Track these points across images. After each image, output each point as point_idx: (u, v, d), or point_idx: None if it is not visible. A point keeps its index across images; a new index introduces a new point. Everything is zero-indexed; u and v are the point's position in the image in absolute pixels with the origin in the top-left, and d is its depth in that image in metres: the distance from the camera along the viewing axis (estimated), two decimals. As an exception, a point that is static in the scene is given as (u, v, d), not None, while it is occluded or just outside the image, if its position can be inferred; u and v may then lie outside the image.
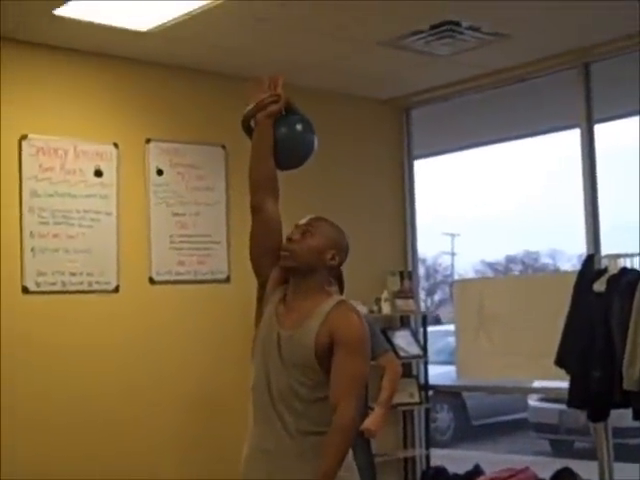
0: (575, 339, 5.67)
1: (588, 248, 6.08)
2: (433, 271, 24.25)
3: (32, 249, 5.33)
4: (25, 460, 5.18)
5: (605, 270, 5.73)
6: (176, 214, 5.94)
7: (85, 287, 5.53)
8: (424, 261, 17.25)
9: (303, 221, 3.02)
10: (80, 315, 5.54)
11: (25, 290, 5.32)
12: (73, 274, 5.48)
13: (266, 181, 3.09)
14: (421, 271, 7.85)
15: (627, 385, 5.31)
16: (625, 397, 5.38)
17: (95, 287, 5.57)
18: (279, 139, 3.07)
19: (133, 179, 5.78)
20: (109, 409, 5.56)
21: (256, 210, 3.08)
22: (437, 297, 22.99)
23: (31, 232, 5.33)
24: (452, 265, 23.18)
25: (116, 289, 5.66)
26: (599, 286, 5.63)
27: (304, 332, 2.86)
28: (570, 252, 16.80)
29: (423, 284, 7.73)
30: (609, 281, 5.59)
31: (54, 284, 5.42)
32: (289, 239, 2.96)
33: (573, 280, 5.81)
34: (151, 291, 5.83)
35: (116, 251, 5.65)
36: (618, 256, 5.73)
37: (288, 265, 2.95)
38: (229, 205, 6.19)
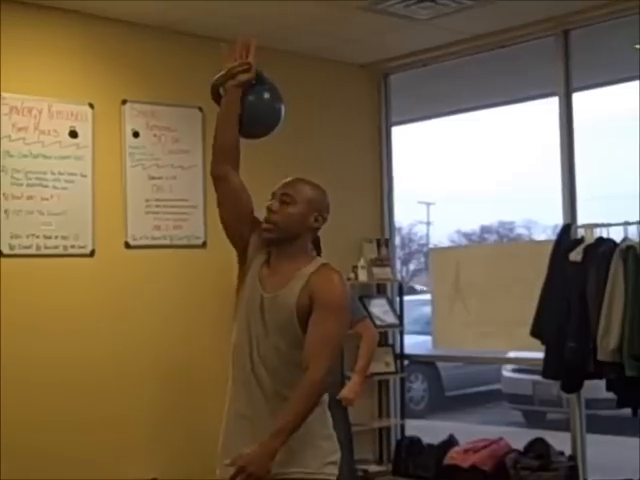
0: (551, 309, 5.68)
1: (564, 218, 6.08)
2: (408, 240, 24.29)
3: (5, 211, 5.25)
4: (5, 420, 5.13)
5: (581, 240, 5.75)
6: (152, 177, 5.87)
7: (60, 251, 5.46)
8: (399, 230, 17.23)
9: (280, 187, 2.96)
10: (55, 279, 5.47)
11: (-1, 253, 5.26)
12: (48, 237, 5.41)
13: (230, 150, 3.04)
14: (396, 240, 7.83)
15: (601, 356, 5.34)
16: (599, 368, 5.42)
17: (70, 251, 5.50)
18: (246, 107, 3.02)
19: (109, 141, 5.69)
20: (84, 372, 5.52)
21: (221, 179, 3.03)
22: (412, 266, 23.06)
23: (4, 194, 5.25)
24: (427, 234, 23.23)
25: (91, 253, 5.60)
26: (575, 256, 5.64)
27: (286, 294, 2.84)
28: (545, 223, 16.86)
29: (398, 253, 7.70)
30: (585, 251, 5.60)
31: (29, 247, 5.35)
32: (269, 209, 2.91)
33: (549, 249, 5.82)
34: (127, 255, 5.77)
35: (91, 214, 5.58)
36: (595, 226, 5.74)
37: (272, 237, 2.92)
38: (206, 169, 6.10)
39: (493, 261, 6.55)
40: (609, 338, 5.32)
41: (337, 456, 2.91)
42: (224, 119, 3.01)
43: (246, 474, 2.61)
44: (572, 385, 5.77)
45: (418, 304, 10.06)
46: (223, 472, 2.86)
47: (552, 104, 6.23)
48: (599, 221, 5.73)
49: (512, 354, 7.53)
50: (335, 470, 2.87)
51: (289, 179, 2.99)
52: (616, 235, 5.66)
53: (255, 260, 2.97)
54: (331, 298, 2.80)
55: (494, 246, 10.64)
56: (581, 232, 5.84)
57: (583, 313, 5.48)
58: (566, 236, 5.87)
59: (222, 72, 3.03)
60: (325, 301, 2.79)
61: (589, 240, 5.68)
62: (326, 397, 2.91)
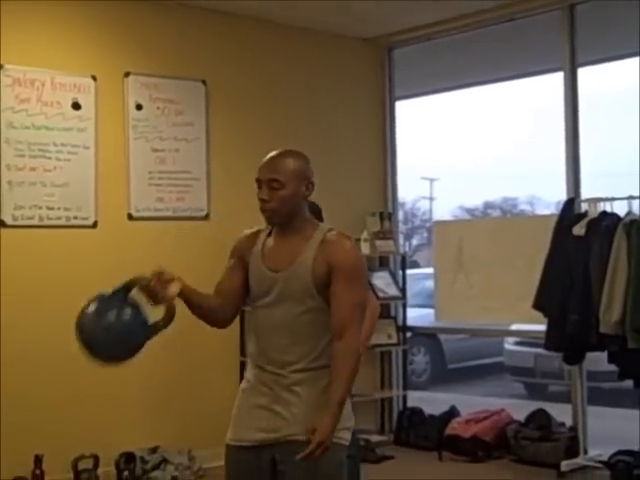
0: (553, 283, 5.70)
1: (568, 192, 6.08)
2: (411, 215, 24.27)
3: (9, 182, 5.27)
4: (5, 393, 5.18)
5: (585, 214, 5.75)
6: (155, 150, 5.88)
7: (63, 222, 5.49)
8: (403, 205, 17.22)
9: (263, 172, 2.88)
10: (58, 250, 5.50)
11: (2, 224, 5.28)
12: (51, 208, 5.43)
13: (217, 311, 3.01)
14: (399, 215, 7.83)
15: (603, 328, 5.37)
16: (601, 340, 5.44)
17: (73, 222, 5.53)
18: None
19: (112, 113, 5.70)
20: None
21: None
22: (415, 241, 23.05)
23: (7, 165, 5.26)
24: (430, 210, 23.20)
25: (94, 225, 5.62)
26: (579, 230, 5.64)
27: (299, 266, 2.84)
28: (549, 199, 16.80)
29: (401, 228, 7.69)
30: (589, 225, 5.61)
31: (32, 218, 5.37)
32: (262, 200, 2.87)
33: (552, 224, 5.82)
34: (130, 227, 5.79)
35: (94, 186, 5.59)
36: (598, 200, 5.74)
37: (276, 222, 2.91)
38: (209, 142, 6.12)
39: (496, 235, 6.56)
40: (611, 311, 5.34)
41: (351, 422, 2.93)
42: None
43: (324, 447, 2.71)
44: (574, 357, 5.81)
45: (420, 278, 10.07)
46: (241, 433, 2.91)
47: (557, 79, 6.22)
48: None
49: (515, 327, 7.54)
50: (348, 436, 2.89)
51: (268, 159, 2.90)
52: (620, 210, 5.67)
53: (253, 251, 2.95)
54: (350, 263, 2.81)
55: (497, 220, 10.62)
56: (585, 206, 5.84)
57: (586, 286, 5.50)
58: (570, 210, 5.87)
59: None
60: (345, 267, 2.79)
61: (592, 214, 5.68)
62: None
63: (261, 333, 2.93)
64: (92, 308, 2.81)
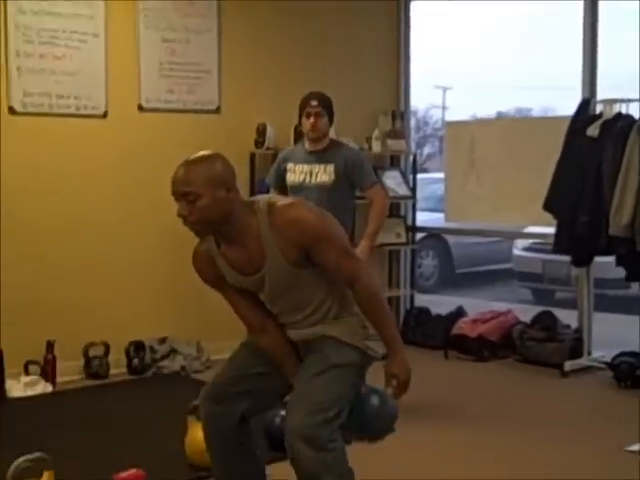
0: (565, 184, 5.65)
1: (584, 93, 5.98)
2: (423, 124, 24.02)
3: (18, 68, 5.21)
4: (18, 281, 5.24)
5: (600, 115, 5.66)
6: (166, 40, 5.79)
7: (73, 111, 5.45)
8: (415, 113, 16.99)
9: (176, 185, 2.69)
10: (68, 138, 5.48)
11: (12, 110, 5.24)
12: (60, 97, 5.38)
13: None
14: (412, 123, 7.73)
15: (613, 231, 5.34)
16: (610, 243, 5.42)
17: (83, 111, 5.49)
18: None
19: (122, 0, 5.58)
20: (96, 234, 5.59)
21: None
22: (426, 150, 22.86)
23: (17, 51, 5.20)
24: (442, 119, 22.90)
25: (104, 115, 5.57)
26: (593, 131, 5.56)
27: (271, 261, 2.73)
28: (562, 112, 16.63)
29: (413, 136, 7.58)
30: (603, 126, 5.53)
31: (41, 106, 5.33)
32: (182, 216, 2.69)
33: (566, 125, 5.74)
34: (140, 118, 5.74)
35: (104, 75, 5.53)
36: (614, 101, 5.65)
37: (207, 234, 2.79)
38: (221, 34, 6.02)
39: (509, 136, 6.47)
40: (622, 213, 5.30)
41: (367, 332, 2.90)
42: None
43: (409, 382, 2.84)
44: (582, 259, 5.80)
45: (430, 182, 10.00)
46: None
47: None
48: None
49: (525, 230, 7.52)
50: (373, 352, 2.89)
51: (178, 172, 2.68)
52: (636, 112, 5.58)
53: (222, 269, 2.84)
54: (312, 233, 2.70)
55: (510, 121, 10.43)
56: (600, 108, 5.75)
57: (597, 188, 5.46)
58: (584, 111, 5.77)
59: None
60: (312, 239, 2.69)
61: (607, 116, 5.59)
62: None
63: (277, 317, 2.92)
64: None
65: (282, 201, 2.79)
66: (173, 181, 2.69)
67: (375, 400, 2.94)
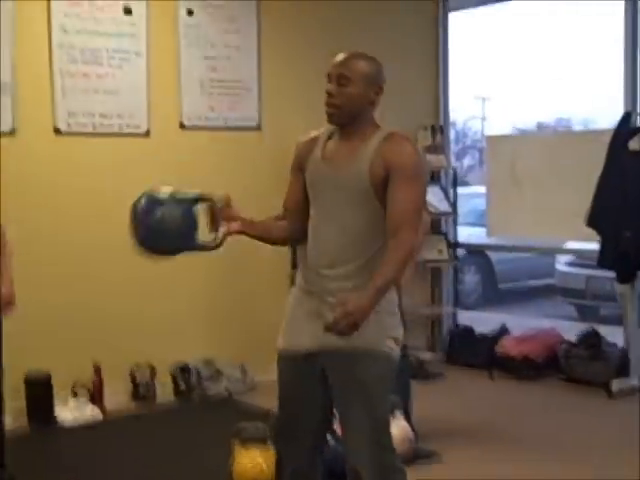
0: (608, 198, 5.58)
1: (625, 106, 5.90)
2: (463, 135, 23.91)
3: (62, 88, 5.25)
4: (67, 303, 5.27)
5: (642, 128, 5.60)
6: (207, 57, 5.81)
7: (116, 130, 5.48)
8: (454, 125, 16.95)
9: (335, 67, 2.85)
10: (111, 158, 5.51)
11: (57, 131, 5.28)
12: (104, 116, 5.42)
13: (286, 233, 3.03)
14: (451, 134, 7.69)
15: (659, 246, 5.26)
16: (656, 258, 5.34)
17: (125, 130, 5.52)
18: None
19: (163, 19, 5.63)
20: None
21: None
22: (466, 162, 22.75)
23: (60, 70, 5.24)
24: (482, 130, 22.81)
25: (147, 133, 5.60)
26: (635, 144, 5.51)
27: (358, 165, 2.80)
28: (603, 123, 16.44)
29: (453, 148, 7.53)
30: (646, 139, 5.47)
31: (85, 125, 5.36)
32: (329, 93, 2.84)
33: (608, 139, 5.67)
34: (182, 136, 5.77)
35: (146, 94, 5.56)
36: (657, 114, 5.58)
37: (337, 122, 2.88)
38: (261, 50, 6.03)
39: (550, 150, 6.41)
40: (667, 228, 5.23)
41: (400, 332, 2.90)
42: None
43: (351, 321, 2.63)
44: (627, 275, 5.71)
45: (472, 196, 9.93)
46: (291, 340, 2.95)
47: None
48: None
49: (567, 245, 7.44)
50: (395, 346, 2.87)
51: (341, 57, 2.88)
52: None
53: (310, 159, 2.93)
54: (408, 164, 2.76)
55: (552, 135, 10.34)
56: (642, 121, 5.68)
57: (641, 203, 5.38)
58: (626, 125, 5.71)
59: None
60: (403, 168, 2.75)
61: (650, 128, 5.53)
62: None
63: (316, 232, 2.91)
64: (160, 197, 2.87)
65: (403, 135, 2.89)
66: (334, 62, 2.86)
67: None
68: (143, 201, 2.87)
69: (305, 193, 2.96)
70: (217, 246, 2.85)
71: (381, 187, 2.78)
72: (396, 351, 2.88)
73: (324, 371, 2.88)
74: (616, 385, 5.64)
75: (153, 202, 2.85)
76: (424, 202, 2.92)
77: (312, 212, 2.94)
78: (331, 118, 2.87)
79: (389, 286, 2.75)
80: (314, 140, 2.97)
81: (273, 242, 3.06)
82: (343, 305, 2.62)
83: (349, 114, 2.84)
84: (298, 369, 2.93)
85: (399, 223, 2.73)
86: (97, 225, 5.43)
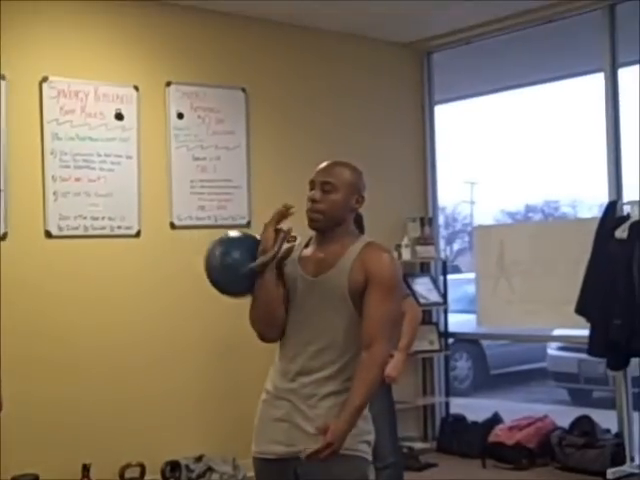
0: (596, 287, 5.65)
1: (610, 195, 6.03)
2: (452, 220, 24.11)
3: (54, 193, 5.34)
4: (53, 400, 5.26)
5: (627, 217, 5.70)
6: (197, 158, 5.93)
7: (107, 232, 5.55)
8: (443, 210, 17.13)
9: (319, 174, 2.92)
10: (103, 259, 5.56)
11: (48, 234, 5.34)
12: (95, 218, 5.50)
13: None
14: (440, 219, 7.81)
15: (648, 332, 5.31)
16: (646, 345, 5.38)
17: (117, 232, 5.59)
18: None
19: (154, 122, 5.76)
20: (132, 352, 5.61)
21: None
22: (456, 246, 22.90)
23: (53, 176, 5.34)
24: (471, 214, 23.03)
25: (137, 234, 5.67)
26: (621, 233, 5.60)
27: (337, 271, 2.85)
28: (591, 202, 16.64)
29: (442, 233, 7.65)
30: (631, 227, 5.56)
31: (76, 228, 5.44)
32: (312, 200, 2.89)
33: (594, 227, 5.78)
34: (172, 236, 5.84)
35: (137, 195, 5.66)
36: (641, 202, 5.68)
37: (320, 227, 2.92)
38: (250, 149, 6.16)
39: (538, 239, 6.52)
40: (656, 315, 5.28)
41: (372, 437, 2.92)
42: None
43: (332, 449, 2.70)
44: (618, 363, 5.74)
45: (462, 283, 10.00)
46: (261, 446, 2.94)
47: (598, 80, 6.17)
48: (645, 199, 5.67)
49: (557, 332, 7.48)
50: (368, 449, 2.88)
51: (325, 165, 2.96)
52: (663, 212, 5.61)
53: (288, 262, 2.94)
54: (386, 276, 2.82)
55: (539, 224, 10.55)
56: (627, 209, 5.78)
57: (629, 290, 5.45)
58: (612, 213, 5.82)
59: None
60: (381, 279, 2.80)
61: (635, 217, 5.63)
62: None
63: (291, 338, 2.92)
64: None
65: (381, 245, 2.94)
66: (318, 170, 2.94)
67: None
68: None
69: (284, 293, 2.94)
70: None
71: (358, 294, 2.82)
72: (369, 455, 2.90)
73: (297, 476, 2.86)
74: (612, 474, 5.62)
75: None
76: (400, 314, 2.96)
77: (290, 316, 2.94)
78: (315, 224, 2.91)
79: (365, 406, 2.79)
80: (291, 248, 2.97)
81: (266, 304, 2.92)
82: (324, 435, 2.69)
83: (332, 220, 2.89)
84: (272, 473, 2.93)
85: (374, 335, 2.77)
86: (85, 324, 5.45)
